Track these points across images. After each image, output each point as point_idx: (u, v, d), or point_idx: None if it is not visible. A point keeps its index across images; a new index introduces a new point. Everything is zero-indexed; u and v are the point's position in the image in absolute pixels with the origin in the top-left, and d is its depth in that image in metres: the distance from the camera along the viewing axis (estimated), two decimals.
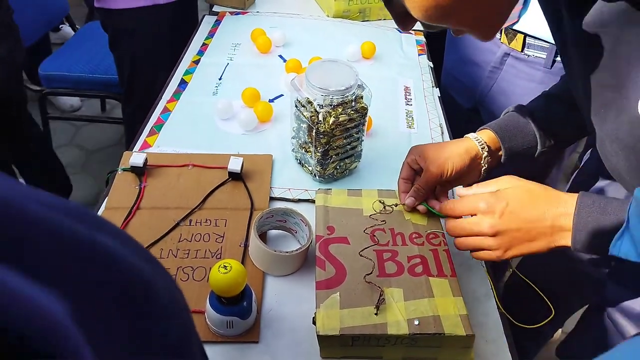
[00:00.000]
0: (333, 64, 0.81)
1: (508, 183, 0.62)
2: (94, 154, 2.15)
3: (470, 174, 0.73)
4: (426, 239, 0.71)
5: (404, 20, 0.53)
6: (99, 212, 0.79)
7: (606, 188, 0.83)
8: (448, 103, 1.17)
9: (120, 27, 1.44)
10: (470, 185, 0.71)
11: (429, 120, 1.07)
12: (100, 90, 1.79)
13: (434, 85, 1.19)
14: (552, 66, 0.99)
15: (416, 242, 0.71)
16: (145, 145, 0.93)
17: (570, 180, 1.02)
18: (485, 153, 0.72)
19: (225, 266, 0.58)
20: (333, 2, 1.40)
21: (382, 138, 1.00)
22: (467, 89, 1.22)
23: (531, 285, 0.72)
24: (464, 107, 1.25)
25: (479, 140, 0.73)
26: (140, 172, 0.84)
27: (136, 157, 0.83)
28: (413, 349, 0.61)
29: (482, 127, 0.76)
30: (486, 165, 0.73)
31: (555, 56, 0.98)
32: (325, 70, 0.80)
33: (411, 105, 1.12)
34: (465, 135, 0.75)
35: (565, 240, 0.57)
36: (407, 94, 1.15)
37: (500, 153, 0.74)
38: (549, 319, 0.69)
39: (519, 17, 0.99)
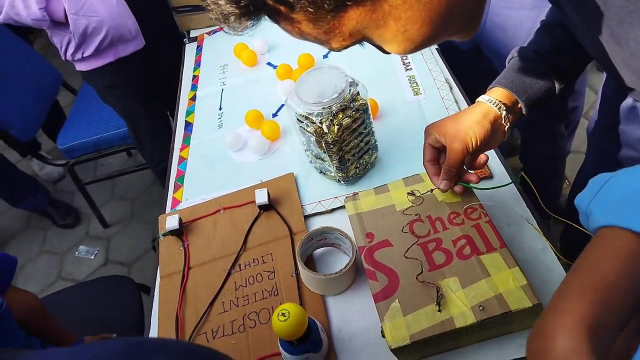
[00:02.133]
0: (319, 72, 0.80)
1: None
2: (138, 201, 2.24)
3: (495, 136, 0.69)
4: (465, 216, 0.71)
5: (384, 50, 0.51)
6: (156, 283, 0.84)
7: (636, 104, 0.77)
8: (447, 52, 1.12)
9: (98, 85, 1.49)
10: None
11: (433, 80, 1.03)
12: (121, 145, 1.85)
13: None
14: None
15: (456, 223, 0.70)
16: (175, 202, 0.96)
17: (599, 96, 0.95)
18: (504, 112, 0.68)
19: (283, 313, 0.60)
20: None
21: (392, 117, 0.98)
22: None
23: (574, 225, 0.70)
24: (464, 50, 1.20)
25: (493, 101, 0.68)
26: (179, 232, 0.87)
27: (171, 221, 0.86)
28: (486, 331, 0.62)
29: (492, 85, 0.71)
30: (508, 123, 0.69)
31: None
32: (313, 81, 0.79)
33: (411, 69, 1.08)
34: (478, 100, 0.71)
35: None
36: (404, 58, 1.11)
37: (519, 106, 0.70)
38: None
39: None
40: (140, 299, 1.28)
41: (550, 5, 0.98)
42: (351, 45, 0.46)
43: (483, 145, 0.68)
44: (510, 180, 0.77)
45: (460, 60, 1.16)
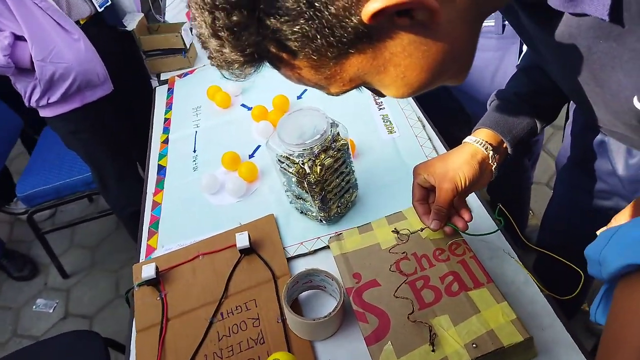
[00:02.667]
0: (300, 113, 0.80)
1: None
2: (99, 249, 2.14)
3: (482, 176, 0.69)
4: (450, 252, 0.71)
5: (380, 93, 0.52)
6: (132, 337, 0.79)
7: (604, 138, 0.82)
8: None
9: (63, 130, 1.45)
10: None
11: (406, 119, 1.06)
12: (84, 191, 1.78)
13: None
14: (503, 31, 0.98)
15: (442, 259, 0.71)
16: (150, 249, 0.92)
17: (567, 135, 1.00)
18: (491, 152, 0.69)
19: None
20: None
21: (369, 155, 1.00)
22: None
23: (555, 257, 0.71)
24: (433, 90, 1.25)
25: (480, 141, 0.70)
26: (155, 282, 0.83)
27: (147, 270, 0.82)
28: None
29: (477, 127, 0.73)
30: (495, 163, 0.70)
31: (504, 21, 0.97)
32: (294, 122, 0.79)
33: (384, 108, 1.11)
34: (464, 141, 0.72)
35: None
36: (377, 98, 1.14)
37: (504, 146, 0.71)
38: (581, 282, 0.68)
39: None
40: (108, 355, 1.20)
41: (513, 48, 1.05)
42: (350, 90, 0.47)
43: (471, 185, 0.68)
44: (497, 228, 0.78)
45: (430, 99, 1.20)
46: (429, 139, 1.00)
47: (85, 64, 1.29)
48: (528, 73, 0.74)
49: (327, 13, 0.37)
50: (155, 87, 1.43)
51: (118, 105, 1.49)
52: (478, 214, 0.83)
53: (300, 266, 0.82)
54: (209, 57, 0.43)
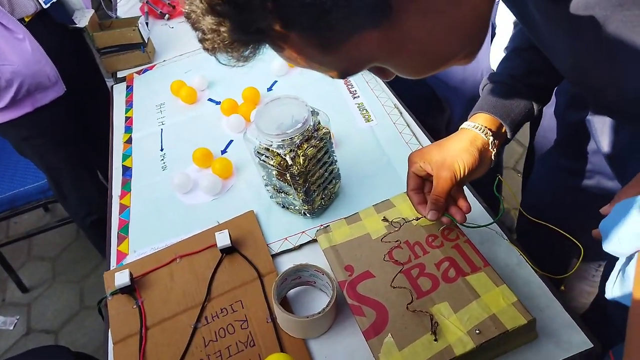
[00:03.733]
0: (277, 102, 0.76)
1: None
2: (60, 260, 2.02)
3: (481, 164, 0.66)
4: (443, 237, 0.69)
5: (384, 75, 0.48)
6: (109, 350, 0.73)
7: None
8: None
9: (14, 138, 1.35)
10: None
11: (382, 106, 1.04)
12: (40, 199, 1.66)
13: None
14: None
15: (435, 245, 0.69)
16: (121, 255, 0.86)
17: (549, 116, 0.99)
18: (491, 138, 0.66)
19: None
20: None
21: (348, 144, 0.97)
22: None
23: (550, 227, 0.70)
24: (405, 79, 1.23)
25: (479, 127, 0.67)
26: (130, 289, 0.77)
27: (120, 277, 0.76)
28: (483, 355, 0.60)
29: (473, 112, 0.70)
30: (495, 149, 0.67)
31: None
32: (272, 111, 0.75)
33: (358, 97, 1.08)
34: (462, 127, 0.69)
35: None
36: (350, 86, 1.12)
37: (503, 130, 0.68)
38: (580, 257, 0.67)
39: None
40: None
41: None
42: (359, 71, 0.44)
43: (470, 173, 0.66)
44: (492, 220, 0.75)
45: (402, 86, 1.18)
46: (407, 125, 0.98)
47: (33, 65, 1.20)
48: (520, 54, 0.71)
49: None
50: (112, 86, 1.34)
51: (72, 107, 1.39)
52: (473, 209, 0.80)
53: (285, 263, 0.78)
54: (201, 40, 0.38)
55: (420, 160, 0.67)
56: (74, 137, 1.44)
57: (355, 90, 1.10)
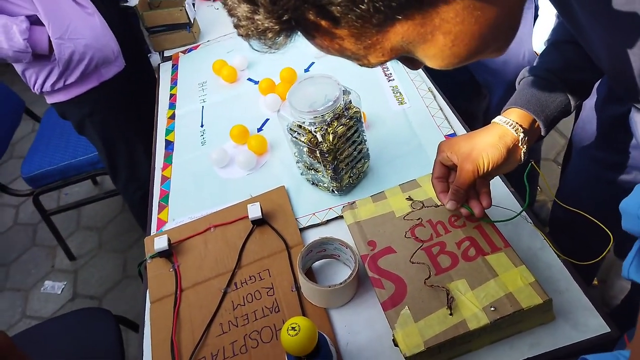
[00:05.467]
0: (311, 81, 0.79)
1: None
2: (106, 230, 2.14)
3: (509, 161, 0.65)
4: (466, 218, 0.71)
5: (414, 64, 0.49)
6: (146, 309, 0.79)
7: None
8: None
9: (77, 115, 1.41)
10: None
11: (416, 89, 1.05)
12: (89, 172, 1.77)
13: None
14: None
15: (458, 225, 0.70)
16: (161, 222, 0.92)
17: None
18: (522, 135, 0.64)
19: (293, 327, 0.57)
20: None
21: (380, 126, 0.98)
22: None
23: (581, 214, 0.69)
24: None
25: (510, 123, 0.65)
26: (168, 254, 0.83)
27: (159, 242, 0.82)
28: (498, 332, 0.61)
29: (507, 107, 0.69)
30: (525, 146, 0.65)
31: None
32: (305, 90, 0.78)
33: (393, 80, 1.09)
34: (493, 121, 0.68)
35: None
36: (385, 69, 1.13)
37: (536, 126, 0.67)
38: (610, 245, 0.67)
39: None
40: (119, 332, 1.21)
41: (527, 14, 1.02)
42: (389, 60, 0.44)
43: (495, 169, 0.65)
44: (516, 213, 0.74)
45: (439, 70, 1.18)
46: (440, 109, 0.99)
47: (102, 39, 1.27)
48: (560, 48, 0.70)
49: None
50: (159, 64, 1.41)
51: (128, 83, 1.46)
52: (501, 194, 0.80)
53: (312, 236, 0.82)
54: (236, 26, 0.40)
55: (448, 150, 0.67)
56: (130, 112, 1.50)
57: (391, 73, 1.11)
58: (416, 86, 1.05)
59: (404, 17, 0.38)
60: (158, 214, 0.94)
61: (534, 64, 0.71)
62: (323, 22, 0.39)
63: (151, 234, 0.90)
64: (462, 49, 0.42)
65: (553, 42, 0.72)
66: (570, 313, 0.63)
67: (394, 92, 1.05)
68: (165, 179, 1.01)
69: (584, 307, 0.63)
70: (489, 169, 0.64)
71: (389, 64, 1.13)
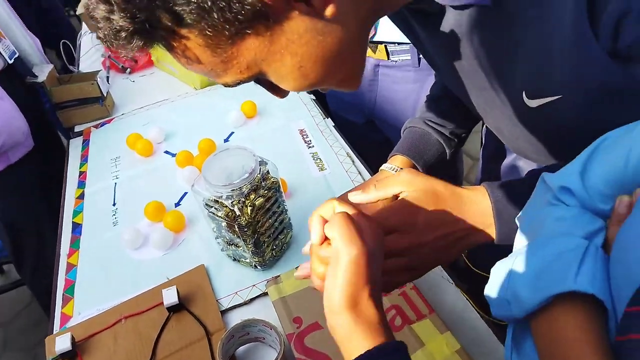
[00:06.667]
0: (226, 153, 0.77)
1: (410, 185, 0.54)
2: (12, 326, 1.90)
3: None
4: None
5: (277, 91, 0.52)
6: None
7: (516, 162, 0.86)
8: (344, 126, 1.17)
9: None
10: None
11: (336, 155, 1.06)
12: None
13: (324, 116, 1.19)
14: (419, 64, 1.03)
15: (383, 293, 0.68)
16: (65, 318, 0.82)
17: (480, 158, 1.06)
18: None
19: None
20: (196, 75, 1.36)
21: (302, 193, 0.98)
22: (354, 106, 1.24)
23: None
24: (359, 124, 1.27)
25: (394, 168, 0.75)
26: (72, 355, 0.73)
27: (61, 342, 0.72)
28: None
29: (392, 154, 0.78)
30: None
31: (419, 55, 1.02)
32: (220, 163, 0.76)
33: (313, 146, 1.10)
34: (381, 168, 0.76)
35: (486, 237, 0.53)
36: (305, 136, 1.14)
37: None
38: None
39: (375, 29, 1.02)
40: None
41: (429, 79, 1.10)
42: (247, 81, 0.46)
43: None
44: None
45: (356, 133, 1.22)
46: (359, 172, 1.00)
47: (13, 124, 1.19)
48: (436, 101, 0.80)
49: None
50: (69, 140, 1.33)
51: (35, 165, 1.36)
52: None
53: (235, 318, 0.76)
54: (97, 30, 0.40)
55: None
56: (39, 194, 1.39)
57: (310, 140, 1.12)
58: (335, 152, 1.07)
59: (254, 32, 0.41)
60: (62, 308, 0.84)
61: (415, 116, 0.81)
62: (177, 28, 0.40)
63: (53, 332, 0.80)
64: (310, 71, 0.45)
65: (431, 97, 0.82)
66: None
67: (314, 159, 1.06)
68: (71, 267, 0.91)
69: None
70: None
71: (307, 130, 1.14)
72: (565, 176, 0.40)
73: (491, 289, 0.40)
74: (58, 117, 1.38)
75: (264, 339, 0.71)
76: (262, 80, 0.49)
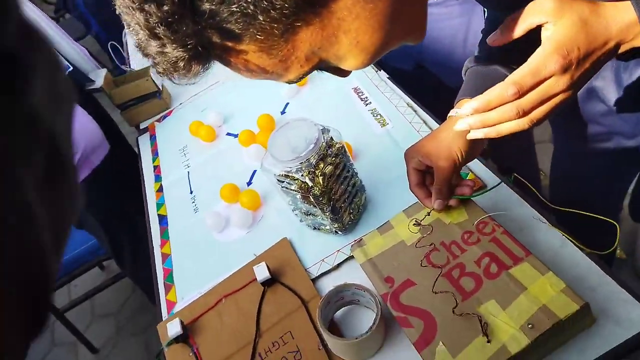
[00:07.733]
0: (287, 127, 0.77)
1: (556, 15, 0.49)
2: (121, 314, 2.09)
3: (475, 147, 0.68)
4: (479, 233, 0.67)
5: (340, 72, 0.50)
6: None
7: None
8: (392, 76, 1.13)
9: None
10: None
11: (395, 107, 1.03)
12: (92, 260, 1.74)
13: (376, 70, 1.15)
14: None
15: (472, 242, 0.67)
16: (170, 304, 0.88)
17: None
18: None
19: None
20: None
21: (368, 154, 0.96)
22: (401, 52, 1.18)
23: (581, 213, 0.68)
24: (409, 71, 1.22)
25: None
26: (184, 337, 0.79)
27: (172, 327, 0.78)
28: (541, 349, 0.57)
29: (458, 98, 0.71)
30: None
31: None
32: (284, 138, 0.76)
33: (370, 103, 1.07)
34: (449, 115, 0.70)
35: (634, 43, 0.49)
36: (360, 94, 1.11)
37: None
38: (617, 234, 0.66)
39: None
40: None
41: (477, 10, 1.02)
42: (309, 72, 0.45)
43: (466, 158, 0.67)
44: (500, 180, 0.75)
45: (410, 82, 1.17)
46: (424, 122, 0.97)
47: (87, 127, 1.27)
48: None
49: None
50: (137, 137, 1.40)
51: (113, 165, 1.45)
52: (478, 172, 0.84)
53: (327, 284, 0.78)
54: (154, 65, 0.41)
55: (417, 154, 0.68)
56: (123, 191, 1.47)
57: (366, 97, 1.09)
58: (394, 104, 1.04)
59: (304, 23, 0.39)
60: (166, 295, 0.91)
61: (476, 53, 0.74)
62: (229, 43, 0.39)
63: (162, 320, 0.86)
64: (368, 44, 0.43)
65: (487, 31, 0.74)
66: (610, 310, 0.59)
67: (373, 115, 1.04)
68: (166, 257, 0.98)
69: (623, 301, 0.60)
70: (464, 158, 0.65)
71: (362, 87, 1.11)
72: None
73: None
74: (122, 117, 1.44)
75: (358, 301, 0.73)
76: (324, 67, 0.48)
